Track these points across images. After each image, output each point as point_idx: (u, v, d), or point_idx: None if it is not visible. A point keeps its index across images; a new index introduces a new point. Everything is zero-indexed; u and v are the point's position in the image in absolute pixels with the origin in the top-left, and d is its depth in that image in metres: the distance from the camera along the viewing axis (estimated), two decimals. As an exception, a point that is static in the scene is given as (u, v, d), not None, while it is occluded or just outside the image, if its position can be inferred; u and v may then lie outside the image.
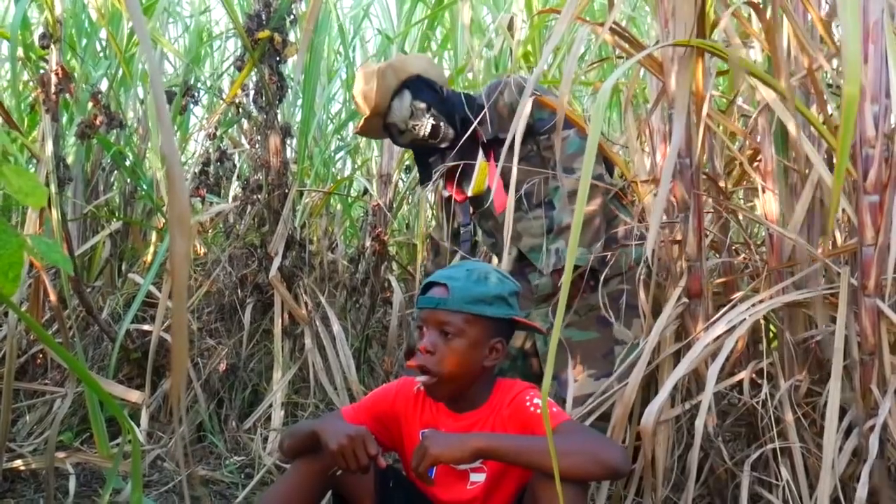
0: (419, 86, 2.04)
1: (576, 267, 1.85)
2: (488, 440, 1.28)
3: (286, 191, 2.58)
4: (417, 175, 2.28)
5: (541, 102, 1.86)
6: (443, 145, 2.04)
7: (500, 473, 1.40)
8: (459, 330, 1.38)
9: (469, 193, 2.10)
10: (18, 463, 2.04)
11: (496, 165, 2.01)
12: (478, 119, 1.85)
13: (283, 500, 1.39)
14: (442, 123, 2.02)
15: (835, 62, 1.63)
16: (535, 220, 2.00)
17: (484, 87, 2.15)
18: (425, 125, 2.02)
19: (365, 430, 1.32)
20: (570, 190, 1.89)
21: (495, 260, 2.29)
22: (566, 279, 1.00)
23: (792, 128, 1.43)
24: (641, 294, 1.65)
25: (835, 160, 1.47)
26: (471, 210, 2.18)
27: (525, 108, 1.42)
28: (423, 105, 2.02)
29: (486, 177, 2.05)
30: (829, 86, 1.64)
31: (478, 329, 1.39)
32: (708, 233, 1.69)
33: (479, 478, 1.42)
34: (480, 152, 1.83)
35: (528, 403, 1.38)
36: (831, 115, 1.49)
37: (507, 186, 2.01)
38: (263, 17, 2.38)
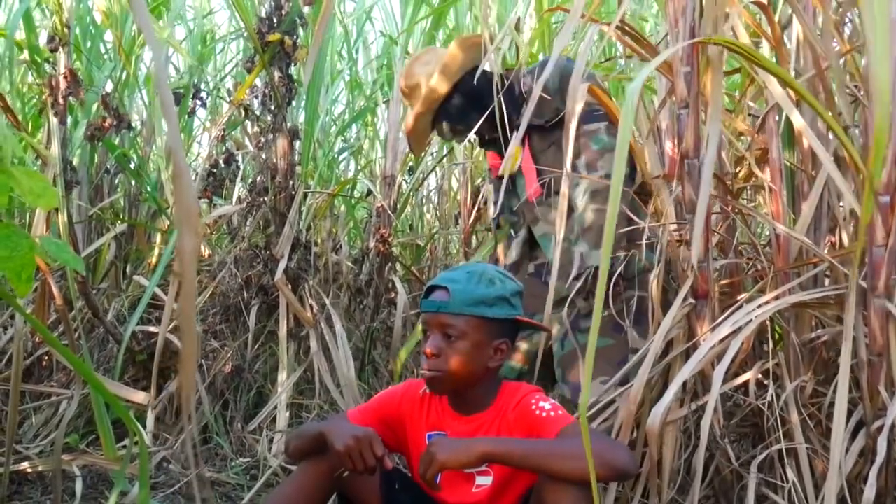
0: (454, 110, 2.04)
1: (598, 269, 1.84)
2: (494, 445, 1.28)
3: (292, 193, 2.58)
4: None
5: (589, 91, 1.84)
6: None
7: (507, 478, 1.40)
8: (462, 332, 1.39)
9: (501, 172, 2.11)
10: (25, 465, 2.04)
11: (529, 150, 2.02)
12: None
13: (288, 502, 1.39)
14: (484, 130, 2.01)
15: (841, 61, 1.62)
16: (553, 208, 2.00)
17: (529, 67, 2.10)
18: (468, 136, 2.05)
19: (372, 431, 1.32)
20: (591, 189, 1.88)
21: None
22: (601, 285, 0.99)
23: (799, 122, 1.42)
24: (653, 293, 1.64)
25: (844, 155, 1.47)
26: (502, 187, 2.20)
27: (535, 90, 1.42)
28: (462, 126, 2.04)
29: (518, 160, 2.06)
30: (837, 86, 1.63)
31: (480, 331, 1.40)
32: (714, 233, 1.69)
33: (485, 481, 1.42)
34: (517, 134, 1.83)
35: (533, 406, 1.38)
36: (840, 114, 1.48)
37: (538, 173, 2.01)
38: (275, 19, 2.39)
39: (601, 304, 1.00)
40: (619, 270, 1.81)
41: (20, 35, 2.59)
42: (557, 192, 1.99)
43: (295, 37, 2.46)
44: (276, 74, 2.46)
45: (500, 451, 1.27)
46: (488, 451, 1.26)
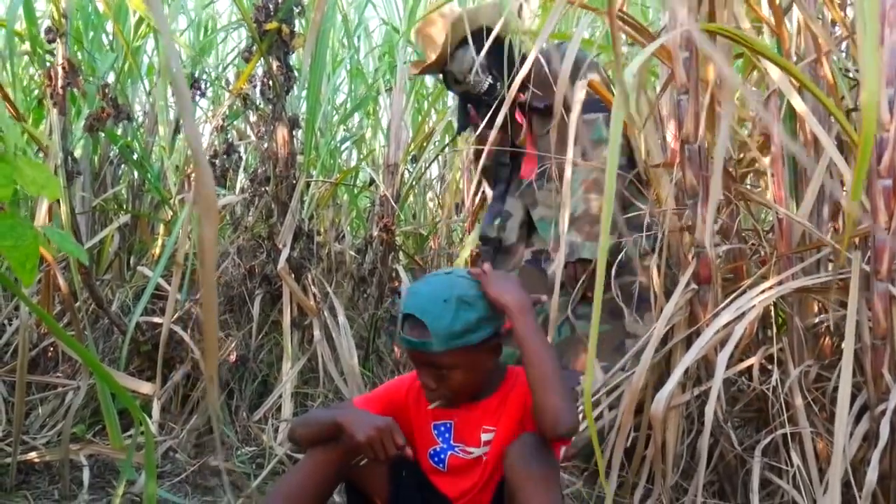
0: (484, 42, 2.03)
1: (588, 261, 1.86)
2: (533, 324, 1.31)
3: (294, 182, 2.58)
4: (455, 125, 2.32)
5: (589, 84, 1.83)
6: (494, 103, 2.02)
7: (499, 458, 1.40)
8: (453, 364, 1.33)
9: (518, 141, 2.12)
10: (32, 455, 2.05)
11: (530, 132, 2.02)
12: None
13: (297, 489, 1.39)
14: (499, 84, 2.00)
15: (843, 45, 1.62)
16: (550, 192, 2.02)
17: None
18: (483, 82, 2.02)
19: (392, 420, 1.32)
20: (585, 178, 1.89)
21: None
22: (599, 272, 1.00)
23: (800, 106, 1.42)
24: (655, 281, 1.65)
25: (846, 139, 1.47)
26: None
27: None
28: (484, 62, 1.99)
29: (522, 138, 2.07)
30: (840, 69, 1.62)
31: (471, 354, 1.34)
32: (717, 219, 1.69)
33: (483, 450, 1.42)
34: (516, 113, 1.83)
35: None
36: (843, 98, 1.48)
37: (538, 157, 2.02)
38: (271, 7, 2.37)
39: (601, 291, 1.00)
40: (618, 258, 1.81)
41: (20, 25, 2.58)
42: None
43: (293, 25, 2.45)
44: (275, 63, 2.45)
45: (530, 329, 1.30)
46: (525, 317, 1.30)
